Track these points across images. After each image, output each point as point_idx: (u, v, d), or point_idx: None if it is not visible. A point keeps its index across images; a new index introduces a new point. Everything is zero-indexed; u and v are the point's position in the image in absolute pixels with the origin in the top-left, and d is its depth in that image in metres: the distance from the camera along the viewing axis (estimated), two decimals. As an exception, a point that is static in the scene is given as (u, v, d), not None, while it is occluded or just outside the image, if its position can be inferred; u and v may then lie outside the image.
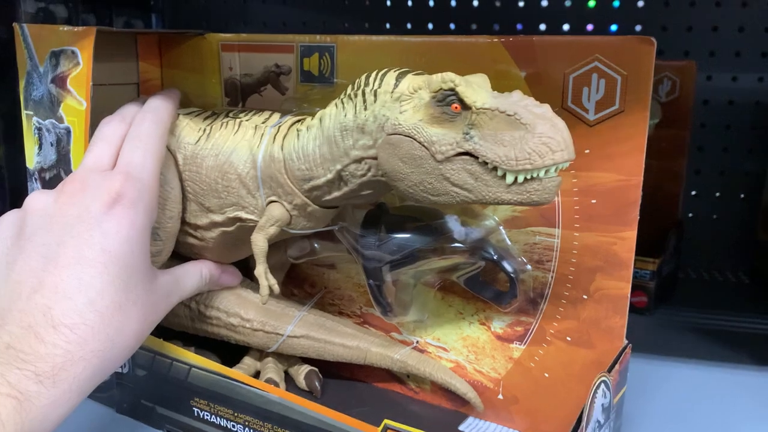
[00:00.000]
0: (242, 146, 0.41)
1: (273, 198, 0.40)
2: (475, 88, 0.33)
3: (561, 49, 0.38)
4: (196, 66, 0.51)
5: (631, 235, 0.38)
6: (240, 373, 0.42)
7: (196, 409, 0.43)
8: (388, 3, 0.83)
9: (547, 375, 0.42)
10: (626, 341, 0.40)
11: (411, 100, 0.35)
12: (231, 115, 0.44)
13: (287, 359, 0.48)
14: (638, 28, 0.76)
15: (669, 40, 0.75)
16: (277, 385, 0.45)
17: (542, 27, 0.79)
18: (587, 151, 0.38)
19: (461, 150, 0.33)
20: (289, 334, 0.46)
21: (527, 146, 0.31)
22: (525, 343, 0.42)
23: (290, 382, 0.47)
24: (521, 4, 0.78)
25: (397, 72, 0.36)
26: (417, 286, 0.45)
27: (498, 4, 0.79)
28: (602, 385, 0.35)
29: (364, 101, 0.36)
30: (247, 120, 0.42)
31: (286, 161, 0.39)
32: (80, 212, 0.35)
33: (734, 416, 0.49)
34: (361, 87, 0.36)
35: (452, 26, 0.82)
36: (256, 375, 0.47)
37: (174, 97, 0.45)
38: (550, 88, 0.38)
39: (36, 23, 0.68)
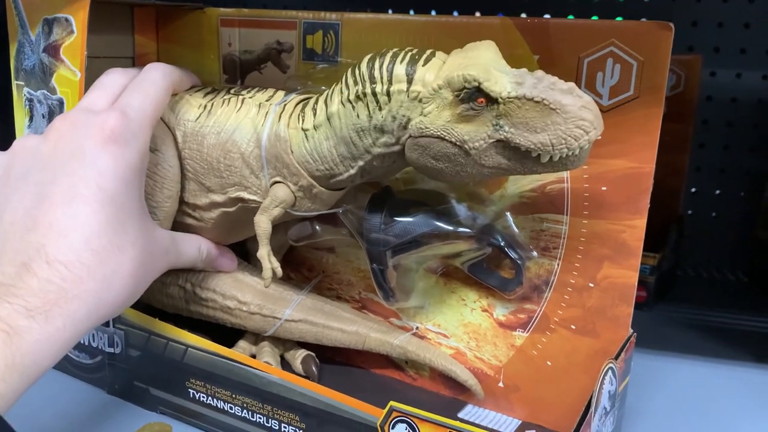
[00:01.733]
0: (246, 124, 0.40)
1: (277, 179, 0.39)
2: (496, 77, 0.32)
3: (576, 33, 0.37)
4: (194, 41, 0.50)
5: (641, 223, 0.38)
6: (239, 353, 0.41)
7: (191, 391, 0.42)
8: None
9: (549, 363, 0.41)
10: (631, 330, 0.39)
11: (432, 100, 0.34)
12: (233, 91, 0.43)
13: (283, 343, 0.48)
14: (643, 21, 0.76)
15: (674, 34, 0.75)
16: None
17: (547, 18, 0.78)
18: (599, 137, 0.38)
19: (494, 140, 0.33)
20: (287, 318, 0.45)
21: (560, 131, 0.31)
22: (528, 331, 0.42)
23: (286, 367, 0.46)
24: None
25: (404, 66, 0.34)
26: (419, 272, 0.45)
27: None
28: (609, 372, 0.35)
29: (377, 101, 0.35)
30: (250, 97, 0.41)
31: (301, 163, 0.39)
32: (73, 149, 0.34)
33: (730, 411, 0.49)
34: (368, 86, 0.35)
35: (455, 13, 0.81)
36: (251, 358, 0.46)
37: (189, 75, 0.44)
38: (564, 72, 0.37)
39: None
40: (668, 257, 0.70)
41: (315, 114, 0.38)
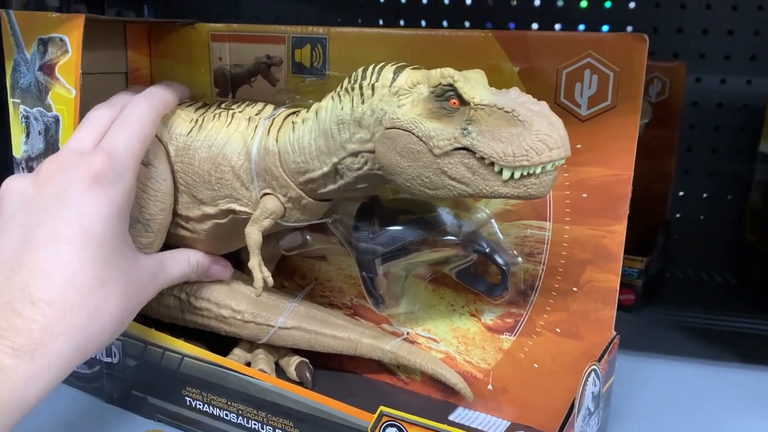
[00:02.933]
0: (236, 138, 0.41)
1: (267, 190, 0.40)
2: (474, 84, 0.34)
3: (554, 45, 0.38)
4: (186, 56, 0.51)
5: (621, 228, 0.39)
6: (234, 361, 0.43)
7: (188, 399, 0.43)
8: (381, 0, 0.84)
9: (536, 366, 0.43)
10: (615, 333, 0.41)
11: (409, 94, 0.35)
12: (223, 106, 0.44)
13: (278, 350, 0.49)
14: (629, 28, 0.78)
15: (659, 41, 0.77)
16: (266, 375, 0.46)
17: (534, 26, 0.80)
18: (579, 146, 0.39)
19: (459, 145, 0.34)
20: (280, 325, 0.46)
21: (524, 143, 0.32)
22: (515, 335, 0.43)
23: (281, 373, 0.48)
24: (513, 3, 0.79)
25: (395, 66, 0.36)
26: (408, 278, 0.46)
27: (490, 3, 0.79)
28: (593, 374, 0.36)
29: (362, 95, 0.36)
30: (240, 111, 0.43)
31: (281, 153, 0.40)
32: (58, 192, 0.36)
33: (717, 411, 0.50)
34: (359, 81, 0.37)
35: (444, 23, 0.82)
36: (247, 366, 0.47)
37: (177, 89, 0.45)
38: (543, 83, 0.39)
39: None
40: (656, 260, 0.71)
41: (308, 110, 0.40)
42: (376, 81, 0.36)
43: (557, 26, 0.80)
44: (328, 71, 0.46)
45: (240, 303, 0.47)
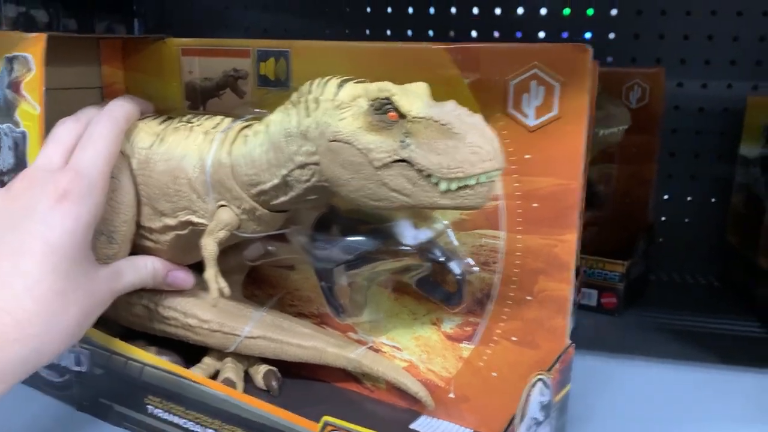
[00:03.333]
0: (192, 151, 0.42)
1: (222, 202, 0.41)
2: (411, 97, 0.34)
3: (502, 57, 0.39)
4: (158, 70, 0.52)
5: (571, 237, 0.39)
6: (188, 371, 0.44)
7: (149, 407, 0.44)
8: (368, 9, 0.85)
9: (495, 374, 0.43)
10: (569, 341, 0.41)
11: (350, 108, 0.36)
12: (185, 120, 0.45)
13: (247, 359, 0.49)
14: (612, 35, 0.79)
15: (641, 47, 0.78)
16: (234, 384, 0.47)
17: (518, 35, 0.81)
18: (528, 156, 0.39)
19: (398, 157, 0.34)
20: (247, 335, 0.47)
21: (458, 155, 0.33)
22: (474, 343, 0.43)
23: (250, 382, 0.48)
24: (498, 11, 0.80)
25: (339, 80, 0.37)
26: (371, 287, 0.46)
27: (476, 11, 0.80)
28: (539, 384, 0.37)
29: (307, 108, 0.37)
30: (198, 125, 0.43)
31: (234, 166, 0.41)
32: (27, 207, 0.38)
33: (696, 412, 0.50)
34: (305, 94, 0.37)
35: (430, 32, 0.84)
36: (216, 374, 0.48)
37: (138, 104, 0.46)
38: (493, 94, 0.39)
39: (16, 28, 0.70)
40: (638, 264, 0.72)
41: (260, 123, 0.41)
42: (321, 95, 0.37)
43: (541, 34, 0.81)
44: (291, 83, 0.47)
45: (206, 312, 0.47)
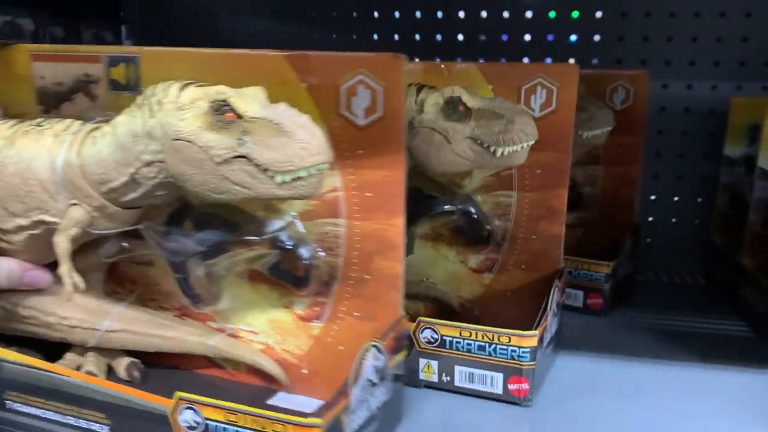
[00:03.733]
0: (42, 153, 0.44)
1: (74, 201, 0.43)
2: (248, 100, 0.39)
3: (332, 64, 0.44)
4: (9, 75, 0.53)
5: (399, 222, 0.45)
6: (43, 362, 0.45)
7: (8, 402, 0.45)
8: (354, 14, 0.86)
9: (342, 348, 0.48)
10: (403, 312, 0.46)
11: (191, 109, 0.40)
12: (35, 123, 0.46)
13: (110, 352, 0.51)
14: (597, 38, 0.81)
15: (626, 49, 0.80)
16: (95, 376, 0.48)
17: (504, 38, 0.83)
18: (360, 152, 0.44)
19: (237, 153, 0.39)
20: (107, 329, 0.49)
21: (289, 151, 0.38)
22: (322, 321, 0.48)
23: (113, 374, 0.50)
24: (484, 14, 0.83)
25: (181, 84, 0.41)
26: (228, 277, 0.50)
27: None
28: (373, 349, 0.42)
29: (151, 110, 0.40)
30: (48, 128, 0.45)
31: (83, 166, 0.43)
32: None
33: (684, 411, 0.51)
34: (149, 97, 0.41)
35: (417, 36, 0.85)
36: (78, 370, 0.49)
37: None
38: (327, 97, 0.44)
39: (2, 36, 0.67)
40: (624, 264, 0.73)
41: (108, 125, 0.43)
42: (164, 97, 0.40)
43: (527, 36, 0.83)
44: (142, 87, 0.49)
45: (66, 310, 0.49)
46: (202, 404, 0.39)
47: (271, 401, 0.48)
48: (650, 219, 0.85)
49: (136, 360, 0.51)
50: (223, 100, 0.39)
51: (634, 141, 0.76)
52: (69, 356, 0.50)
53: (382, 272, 0.46)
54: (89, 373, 0.48)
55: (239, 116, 0.39)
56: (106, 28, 0.85)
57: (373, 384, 0.42)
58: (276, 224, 0.47)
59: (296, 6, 0.87)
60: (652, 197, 0.84)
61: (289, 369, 0.49)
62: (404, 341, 0.47)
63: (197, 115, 0.39)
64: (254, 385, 0.50)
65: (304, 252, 0.47)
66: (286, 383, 0.48)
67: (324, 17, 0.87)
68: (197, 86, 0.40)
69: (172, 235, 0.46)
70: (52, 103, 0.52)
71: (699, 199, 0.84)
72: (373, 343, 0.42)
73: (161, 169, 0.41)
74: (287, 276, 0.48)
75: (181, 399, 0.40)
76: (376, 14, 0.86)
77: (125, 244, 0.48)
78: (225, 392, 0.49)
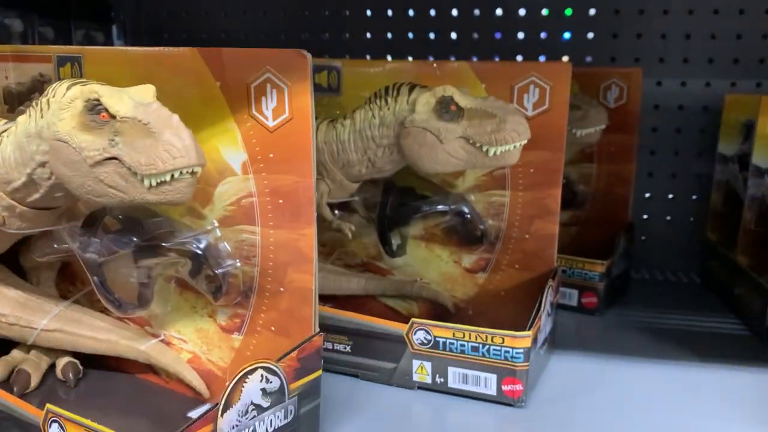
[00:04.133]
0: None
1: None
2: (122, 99, 0.36)
3: (242, 61, 0.40)
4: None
5: (310, 232, 0.40)
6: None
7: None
8: (347, 13, 0.84)
9: (260, 363, 0.44)
10: (318, 330, 0.42)
11: (69, 108, 0.37)
12: None
13: (54, 351, 0.50)
14: (590, 35, 0.78)
15: (620, 46, 0.77)
16: (28, 376, 0.47)
17: (497, 36, 0.81)
18: (271, 156, 0.40)
19: (108, 155, 0.36)
20: (43, 328, 0.48)
21: (153, 153, 0.34)
22: (242, 334, 0.44)
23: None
24: (476, 12, 0.80)
25: (70, 83, 0.38)
26: (158, 282, 0.47)
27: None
28: (259, 371, 0.37)
29: (42, 110, 0.38)
30: None
31: None
32: None
33: (679, 410, 0.50)
34: (43, 96, 0.39)
35: (410, 34, 0.83)
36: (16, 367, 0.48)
37: None
38: (239, 97, 0.41)
39: None
40: (618, 263, 0.70)
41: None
42: (53, 96, 0.38)
43: (520, 35, 0.80)
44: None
45: (5, 307, 0.48)
46: (66, 419, 0.36)
47: (192, 413, 0.45)
48: (644, 217, 0.82)
49: (75, 361, 0.49)
50: (96, 99, 0.36)
51: (627, 139, 0.73)
52: (14, 353, 0.50)
53: (295, 285, 0.41)
54: (22, 371, 0.47)
55: (112, 116, 0.36)
56: (96, 29, 0.84)
57: (263, 408, 0.38)
58: (192, 230, 0.43)
59: (288, 5, 0.84)
60: (647, 195, 0.81)
61: (213, 380, 0.46)
62: (317, 361, 0.42)
63: (73, 115, 0.37)
64: (183, 395, 0.47)
65: (216, 261, 0.43)
66: (207, 396, 0.45)
67: (316, 16, 0.84)
68: (82, 85, 0.38)
69: (86, 237, 0.43)
70: (16, 103, 0.52)
71: (693, 197, 0.80)
72: (261, 365, 0.38)
73: (53, 171, 0.38)
74: (205, 284, 0.44)
75: (49, 412, 0.37)
76: (368, 12, 0.83)
77: (56, 245, 0.46)
78: (152, 401, 0.47)
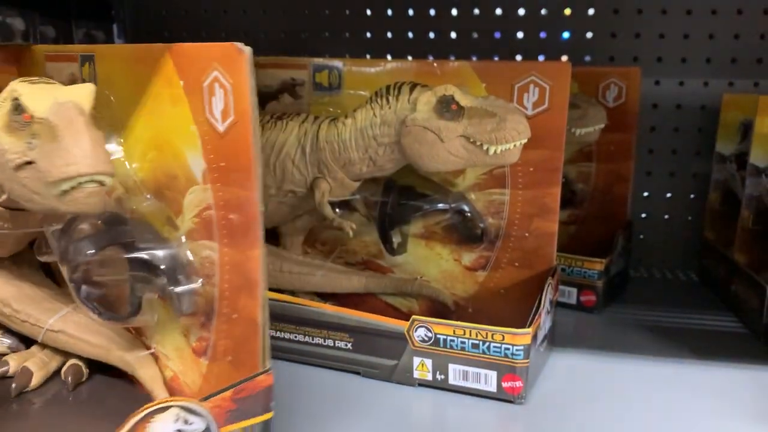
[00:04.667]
0: None
1: None
2: (41, 99, 0.25)
3: (194, 58, 0.27)
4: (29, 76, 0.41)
5: (256, 254, 0.25)
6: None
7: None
8: (347, 11, 0.65)
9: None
10: (268, 366, 0.26)
11: (2, 108, 0.26)
12: None
13: (63, 352, 0.38)
14: (589, 35, 0.62)
15: (618, 46, 0.62)
16: (31, 374, 0.36)
17: (497, 35, 0.64)
18: (223, 164, 0.26)
19: (27, 159, 0.25)
20: (48, 327, 0.37)
21: (56, 159, 0.23)
22: (207, 359, 0.29)
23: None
24: (476, 11, 0.63)
25: (20, 80, 0.27)
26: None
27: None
28: (174, 410, 0.22)
29: None
30: None
31: None
32: None
33: (677, 408, 0.38)
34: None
35: (409, 34, 0.65)
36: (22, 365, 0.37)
37: None
38: (196, 98, 0.27)
39: None
40: (616, 262, 0.56)
41: None
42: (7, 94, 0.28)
43: (519, 34, 0.63)
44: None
45: (20, 303, 0.38)
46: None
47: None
48: (643, 216, 0.65)
49: (80, 364, 0.38)
50: (16, 99, 0.25)
51: (626, 138, 0.58)
52: (33, 348, 0.39)
53: (245, 313, 0.27)
54: (25, 368, 0.36)
55: (33, 117, 0.25)
56: (97, 27, 0.66)
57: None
58: (158, 246, 0.28)
59: (288, 4, 0.67)
60: (645, 194, 0.64)
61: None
62: (261, 403, 0.26)
63: (3, 115, 0.26)
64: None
65: (178, 279, 0.28)
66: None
67: (316, 16, 0.67)
68: (20, 81, 0.27)
69: (62, 241, 0.30)
70: None
71: (691, 196, 0.64)
72: (177, 404, 0.22)
73: None
74: (173, 303, 0.29)
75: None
76: (368, 12, 0.66)
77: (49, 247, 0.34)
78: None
